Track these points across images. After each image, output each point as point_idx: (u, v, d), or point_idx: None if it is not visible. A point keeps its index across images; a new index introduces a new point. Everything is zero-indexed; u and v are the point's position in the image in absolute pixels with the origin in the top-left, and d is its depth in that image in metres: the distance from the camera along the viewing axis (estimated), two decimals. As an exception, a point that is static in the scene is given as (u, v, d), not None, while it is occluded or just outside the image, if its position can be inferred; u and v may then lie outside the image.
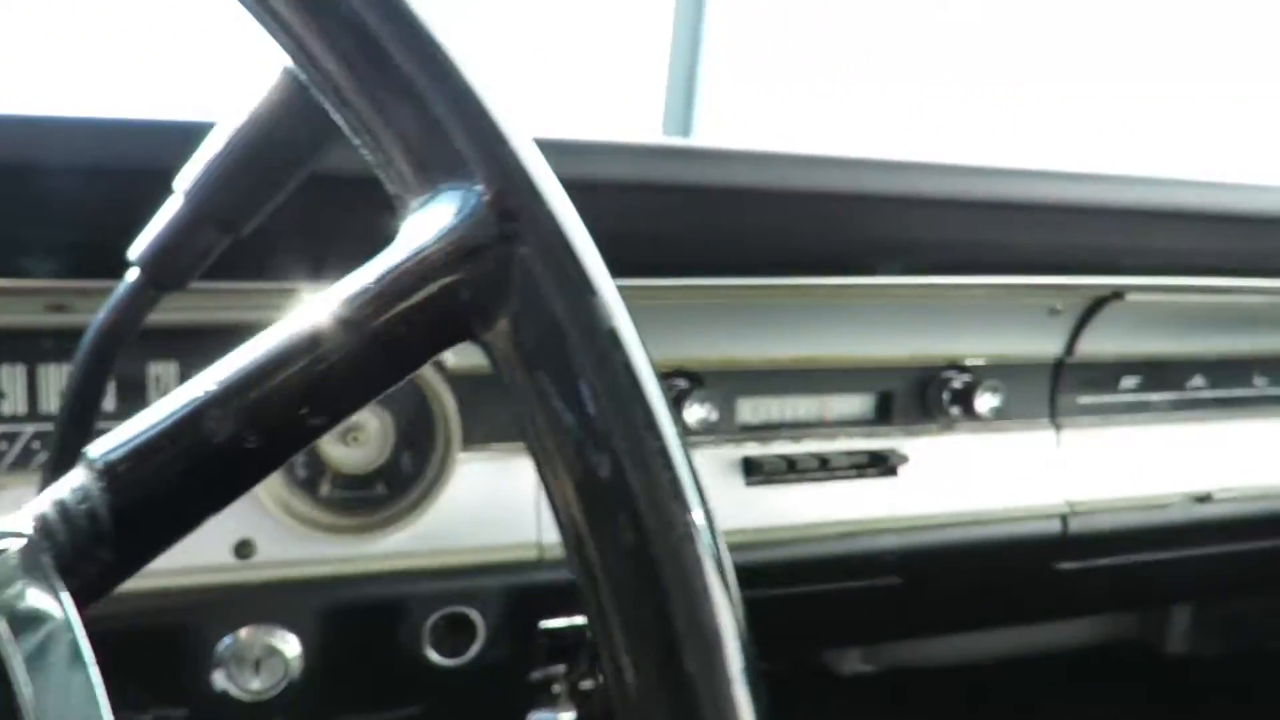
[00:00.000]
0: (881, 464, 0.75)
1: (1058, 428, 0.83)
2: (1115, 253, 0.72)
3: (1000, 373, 0.79)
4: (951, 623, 0.98)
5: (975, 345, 0.79)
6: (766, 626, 0.79)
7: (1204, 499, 0.87)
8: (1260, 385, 0.90)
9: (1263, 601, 1.54)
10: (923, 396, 0.78)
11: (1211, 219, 0.72)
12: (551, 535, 0.68)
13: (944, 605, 0.88)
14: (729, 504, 0.72)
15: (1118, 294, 0.76)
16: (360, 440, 0.66)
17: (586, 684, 0.74)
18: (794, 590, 0.78)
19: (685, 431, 0.68)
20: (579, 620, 0.71)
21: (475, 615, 0.66)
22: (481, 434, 0.67)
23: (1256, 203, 0.73)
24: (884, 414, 0.78)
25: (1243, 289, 0.76)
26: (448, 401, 0.66)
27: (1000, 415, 0.80)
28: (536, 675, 0.76)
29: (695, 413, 0.69)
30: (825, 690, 1.57)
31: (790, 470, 0.73)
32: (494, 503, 0.67)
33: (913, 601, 0.86)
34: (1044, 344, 0.81)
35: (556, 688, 0.79)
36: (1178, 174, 0.72)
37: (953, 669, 1.50)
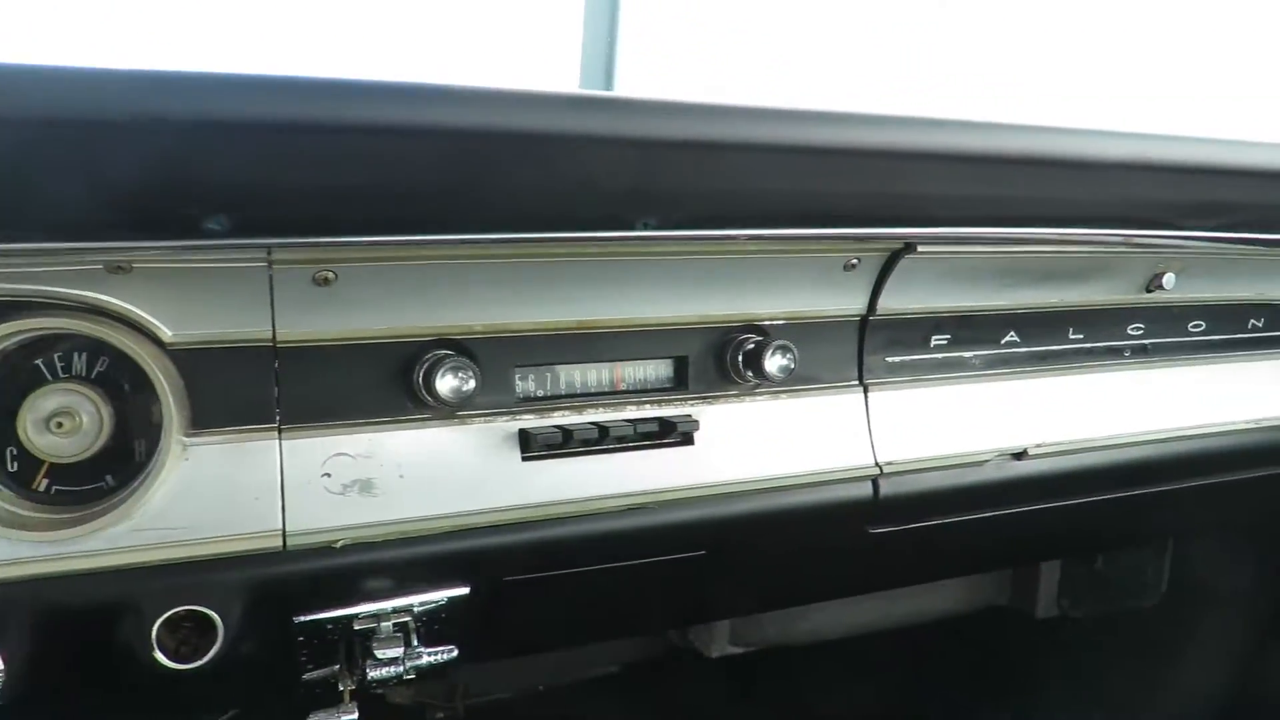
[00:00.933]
0: (673, 431, 0.71)
1: (866, 388, 0.80)
2: (901, 202, 0.69)
3: (800, 332, 0.76)
4: (769, 594, 0.95)
5: (772, 305, 0.76)
6: (574, 605, 0.74)
7: (1019, 455, 0.85)
8: (1074, 339, 0.89)
9: (1124, 561, 1.56)
10: (719, 360, 0.75)
11: (997, 162, 0.69)
12: (299, 522, 0.62)
13: (757, 576, 0.85)
14: (505, 480, 0.68)
15: (909, 246, 0.73)
16: (69, 427, 0.59)
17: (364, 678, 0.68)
18: (591, 568, 0.74)
19: (441, 406, 0.64)
20: (338, 613, 0.65)
21: (213, 612, 0.60)
22: (215, 416, 0.61)
23: (1042, 145, 0.70)
24: (679, 380, 0.74)
25: (1036, 239, 0.74)
26: (168, 380, 0.59)
27: (801, 377, 0.77)
28: (311, 675, 0.71)
29: (453, 384, 0.64)
30: (695, 673, 1.55)
31: (569, 442, 0.68)
32: (230, 489, 0.61)
33: (724, 574, 0.82)
34: (844, 301, 0.78)
35: (341, 686, 0.73)
36: (959, 115, 0.69)
37: (825, 644, 1.49)
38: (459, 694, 1.41)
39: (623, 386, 0.73)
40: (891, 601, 1.47)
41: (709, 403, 0.74)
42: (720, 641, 1.39)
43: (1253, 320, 0.97)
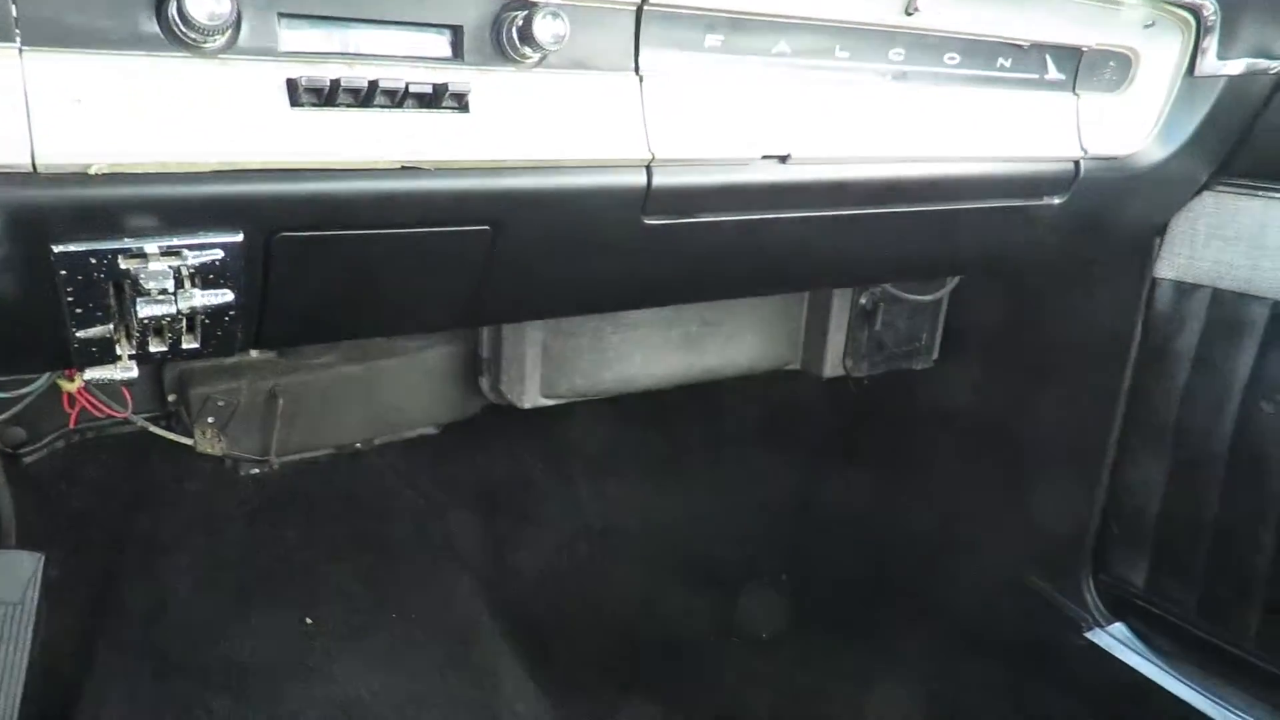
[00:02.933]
0: (446, 95, 0.73)
1: (641, 79, 0.84)
2: None
3: (577, 14, 0.79)
4: (553, 292, 1.01)
5: (547, -16, 0.77)
6: (354, 278, 0.76)
7: (784, 159, 0.92)
8: (840, 57, 0.95)
9: (901, 327, 1.74)
10: (496, 33, 0.76)
11: None
12: (48, 145, 0.61)
13: (539, 266, 0.91)
14: (272, 128, 0.68)
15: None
16: None
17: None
18: (368, 231, 0.76)
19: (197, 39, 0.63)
20: (100, 245, 0.65)
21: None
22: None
23: None
24: (455, 51, 0.76)
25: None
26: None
27: (578, 60, 0.80)
28: (86, 333, 0.71)
29: (209, 8, 0.62)
30: (507, 428, 1.64)
31: (338, 95, 0.69)
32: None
33: (507, 262, 0.87)
34: (617, -14, 0.80)
35: (120, 351, 0.74)
36: None
37: (630, 396, 1.60)
38: (273, 450, 1.44)
39: (398, 53, 0.74)
40: (694, 356, 1.59)
41: (486, 74, 0.76)
42: (532, 393, 1.46)
43: (1000, 59, 1.07)
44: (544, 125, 0.80)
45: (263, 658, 1.14)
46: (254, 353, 1.41)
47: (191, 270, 0.69)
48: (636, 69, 0.84)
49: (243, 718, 1.05)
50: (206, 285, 0.70)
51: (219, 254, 0.70)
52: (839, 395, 1.80)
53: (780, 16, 0.89)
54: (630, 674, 1.48)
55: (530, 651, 1.37)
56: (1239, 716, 1.39)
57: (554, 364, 1.46)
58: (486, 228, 0.81)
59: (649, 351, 1.52)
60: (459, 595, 1.38)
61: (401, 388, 1.51)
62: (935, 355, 1.79)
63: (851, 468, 1.85)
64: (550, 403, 1.50)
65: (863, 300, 1.65)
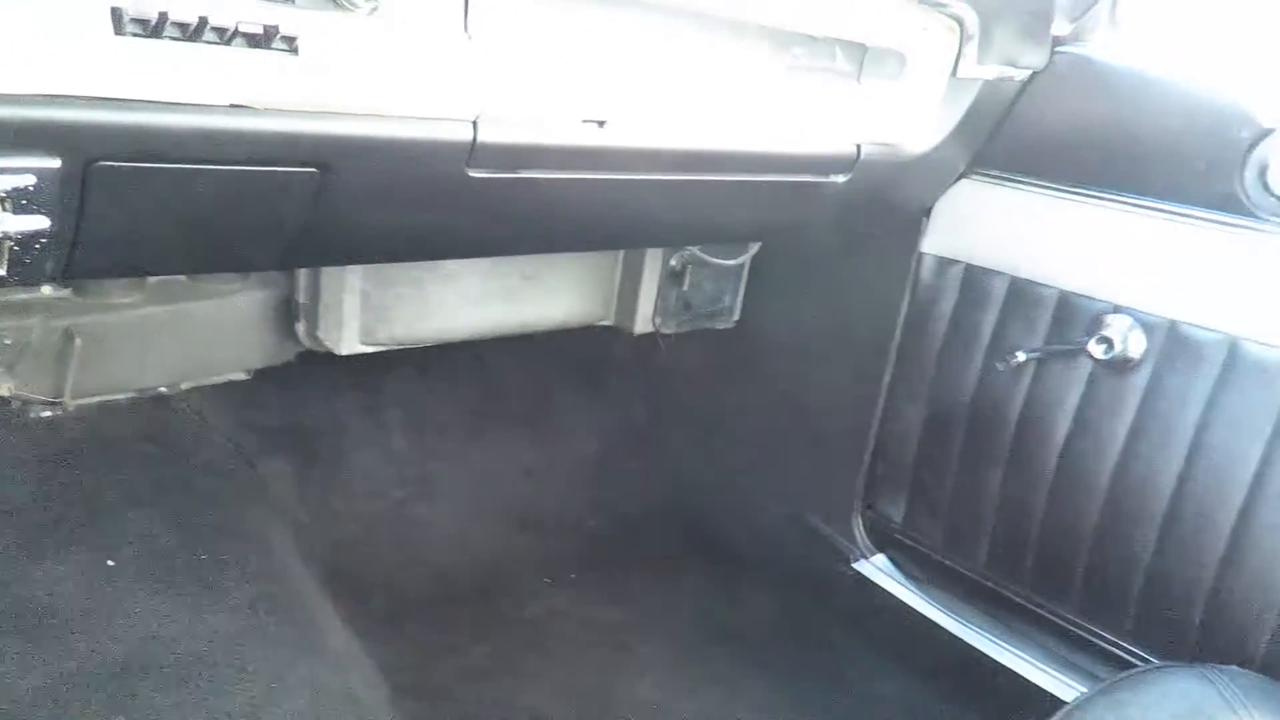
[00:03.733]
0: (277, 37, 0.75)
1: (470, 35, 0.89)
2: None
3: (408, -30, 0.82)
4: (382, 239, 1.04)
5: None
6: (178, 211, 0.77)
7: (601, 124, 1.00)
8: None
9: (707, 289, 1.88)
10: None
11: None
12: None
13: (367, 212, 0.94)
14: (96, 56, 0.68)
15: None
16: None
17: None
18: (192, 165, 0.78)
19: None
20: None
21: None
22: None
23: None
24: (287, -7, 0.77)
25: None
26: None
27: (410, 15, 0.83)
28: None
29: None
30: (323, 375, 1.65)
31: (164, 25, 0.70)
32: None
33: (334, 206, 0.90)
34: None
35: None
36: None
37: (449, 345, 1.65)
38: (68, 392, 1.38)
39: (228, -9, 0.75)
40: (513, 309, 1.65)
41: (317, 17, 0.79)
42: (350, 340, 1.48)
43: (795, 47, 1.19)
44: (374, 74, 0.83)
45: (60, 601, 1.10)
46: (47, 289, 1.34)
47: (3, 195, 0.68)
48: (466, 27, 0.88)
49: (38, 658, 1.03)
50: (18, 210, 0.69)
51: (32, 179, 0.69)
52: (649, 351, 1.92)
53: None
54: (446, 614, 1.54)
55: (347, 592, 1.40)
56: (974, 631, 1.63)
57: (373, 311, 1.47)
58: (314, 170, 0.84)
59: (469, 303, 1.57)
60: (272, 540, 1.38)
61: (211, 330, 1.47)
62: (736, 316, 1.94)
63: (658, 419, 1.98)
64: (369, 349, 1.51)
65: (673, 262, 1.77)
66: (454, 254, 1.34)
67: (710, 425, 2.01)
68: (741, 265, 1.86)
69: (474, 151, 0.92)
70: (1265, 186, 1.24)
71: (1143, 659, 1.40)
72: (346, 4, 0.79)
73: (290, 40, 0.76)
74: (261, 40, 0.75)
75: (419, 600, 1.56)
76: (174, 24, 0.70)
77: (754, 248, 1.86)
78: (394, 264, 1.47)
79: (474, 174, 0.94)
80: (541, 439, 1.91)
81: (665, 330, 1.85)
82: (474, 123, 0.91)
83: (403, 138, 0.87)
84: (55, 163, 0.69)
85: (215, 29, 0.72)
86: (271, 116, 0.78)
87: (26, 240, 0.72)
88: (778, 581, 1.77)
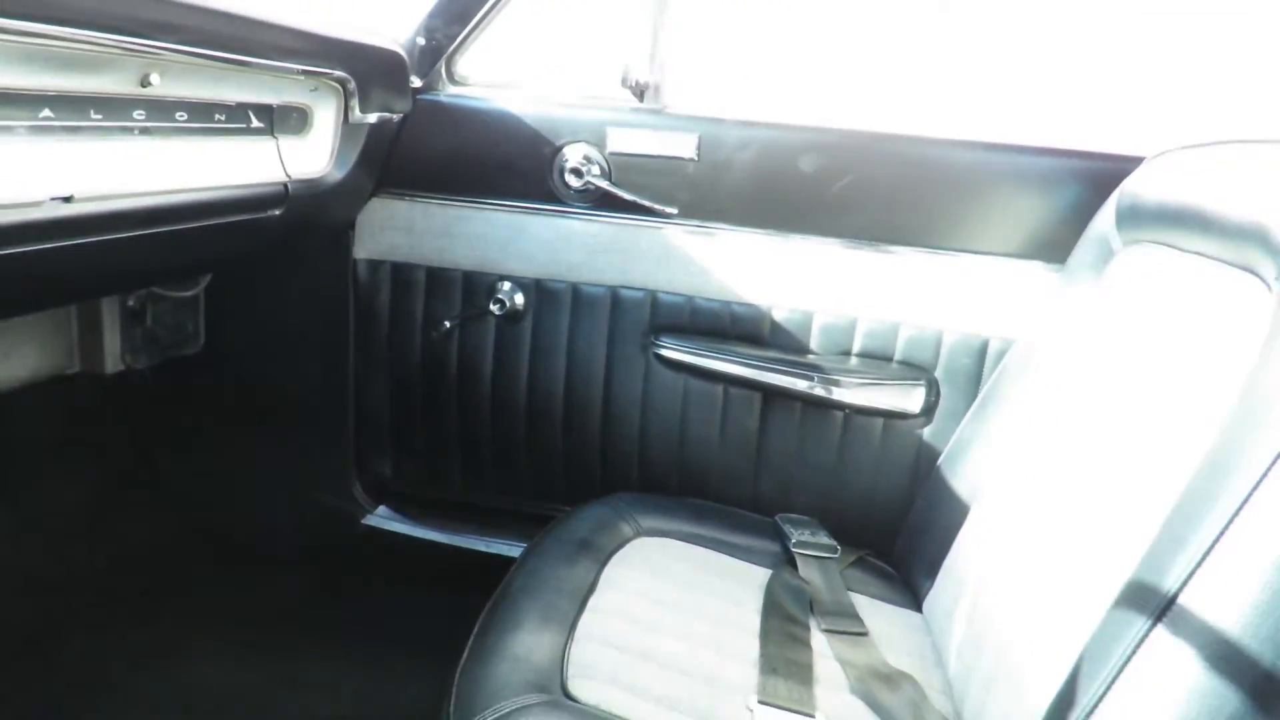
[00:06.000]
0: None
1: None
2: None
3: None
4: None
5: None
6: None
7: (68, 199, 1.20)
8: (95, 118, 1.25)
9: (169, 318, 2.04)
10: None
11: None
12: None
13: None
14: None
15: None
16: None
17: None
18: None
19: None
20: None
21: None
22: None
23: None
24: None
25: (54, 34, 1.08)
26: None
27: None
28: None
29: None
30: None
31: None
32: None
33: None
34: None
35: None
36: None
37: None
38: None
39: None
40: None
41: None
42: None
43: (216, 114, 1.48)
44: None
45: None
46: None
47: None
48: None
49: None
50: None
51: None
52: (125, 389, 2.02)
53: (38, 90, 1.16)
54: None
55: None
56: (463, 537, 2.11)
57: None
58: None
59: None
60: None
61: None
62: (203, 340, 2.13)
63: (151, 452, 2.08)
64: None
65: (131, 302, 1.90)
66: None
67: (203, 445, 2.18)
68: (197, 295, 2.06)
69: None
70: (565, 183, 1.88)
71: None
72: None
73: None
74: None
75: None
76: None
77: (206, 278, 2.07)
78: None
79: (-41, 257, 1.08)
80: (24, 501, 1.90)
81: (137, 365, 1.97)
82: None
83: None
84: None
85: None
86: None
87: None
88: (308, 554, 2.07)
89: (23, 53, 1.10)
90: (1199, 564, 0.85)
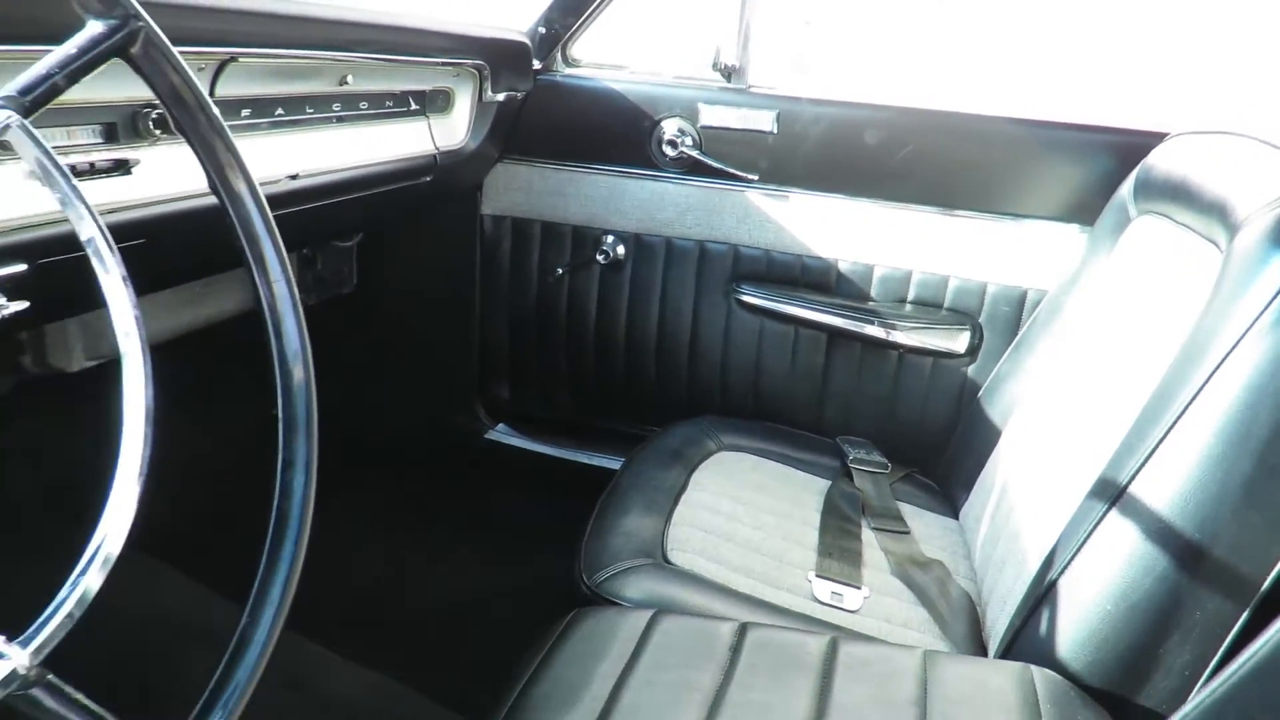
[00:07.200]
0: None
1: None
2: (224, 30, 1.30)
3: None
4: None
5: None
6: None
7: (295, 176, 1.57)
8: (309, 112, 1.62)
9: (329, 260, 2.44)
10: (134, 126, 1.27)
11: (274, 16, 1.35)
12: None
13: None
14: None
15: (234, 58, 1.36)
16: None
17: None
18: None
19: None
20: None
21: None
22: None
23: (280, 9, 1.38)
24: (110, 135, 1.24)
25: (287, 55, 1.44)
26: None
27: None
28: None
29: None
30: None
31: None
32: None
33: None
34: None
35: None
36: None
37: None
38: None
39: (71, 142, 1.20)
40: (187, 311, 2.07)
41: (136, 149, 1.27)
42: (79, 357, 1.80)
43: (387, 101, 1.84)
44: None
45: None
46: None
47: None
48: (209, 135, 1.40)
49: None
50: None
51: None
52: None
53: (273, 95, 1.52)
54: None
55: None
56: (576, 453, 2.48)
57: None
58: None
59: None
60: None
61: None
62: (355, 281, 2.54)
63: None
64: (93, 363, 1.85)
65: (305, 250, 2.30)
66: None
67: (352, 369, 2.60)
68: (353, 245, 2.46)
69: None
70: (662, 151, 2.20)
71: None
72: (150, 134, 1.28)
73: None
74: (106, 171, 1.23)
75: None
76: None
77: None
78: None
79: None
80: (221, 415, 2.34)
81: (309, 301, 2.38)
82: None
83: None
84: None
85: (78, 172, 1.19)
86: None
87: None
88: (434, 461, 2.49)
89: (265, 70, 1.46)
90: (1143, 464, 1.16)
